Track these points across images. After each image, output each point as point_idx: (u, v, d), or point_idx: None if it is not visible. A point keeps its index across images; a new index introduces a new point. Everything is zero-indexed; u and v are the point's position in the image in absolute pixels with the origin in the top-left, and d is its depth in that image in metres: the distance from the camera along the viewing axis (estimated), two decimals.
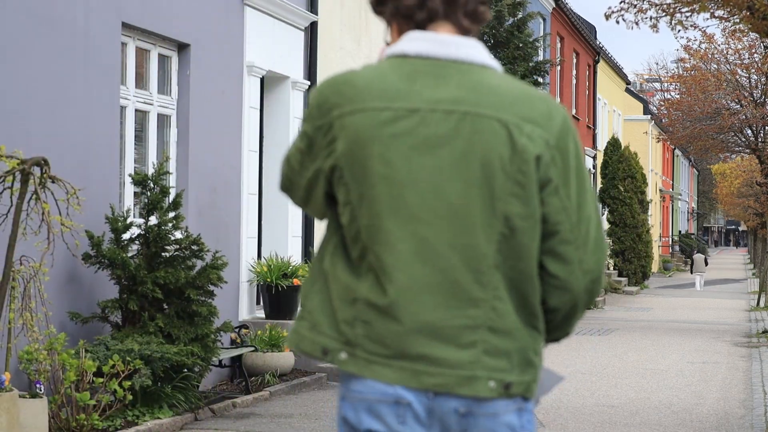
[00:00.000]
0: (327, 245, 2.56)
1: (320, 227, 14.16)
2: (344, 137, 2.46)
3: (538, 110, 2.48)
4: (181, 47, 11.11)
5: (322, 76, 14.31)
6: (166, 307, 9.47)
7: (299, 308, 2.59)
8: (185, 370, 9.24)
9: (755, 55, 27.88)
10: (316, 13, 14.01)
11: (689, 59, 30.50)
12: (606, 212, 35.81)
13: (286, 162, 2.65)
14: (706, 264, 41.42)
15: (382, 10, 2.59)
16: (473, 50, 2.51)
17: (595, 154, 37.46)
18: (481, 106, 2.45)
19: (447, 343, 2.43)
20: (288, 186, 2.68)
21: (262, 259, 12.88)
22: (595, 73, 38.40)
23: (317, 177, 2.55)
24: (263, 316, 12.65)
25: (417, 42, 2.50)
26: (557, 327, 2.60)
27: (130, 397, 8.49)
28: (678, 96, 35.42)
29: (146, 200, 9.63)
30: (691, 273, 40.23)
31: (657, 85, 72.29)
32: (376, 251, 2.44)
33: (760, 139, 29.98)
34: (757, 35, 19.98)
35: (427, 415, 2.45)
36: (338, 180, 2.49)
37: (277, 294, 12.41)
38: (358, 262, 2.48)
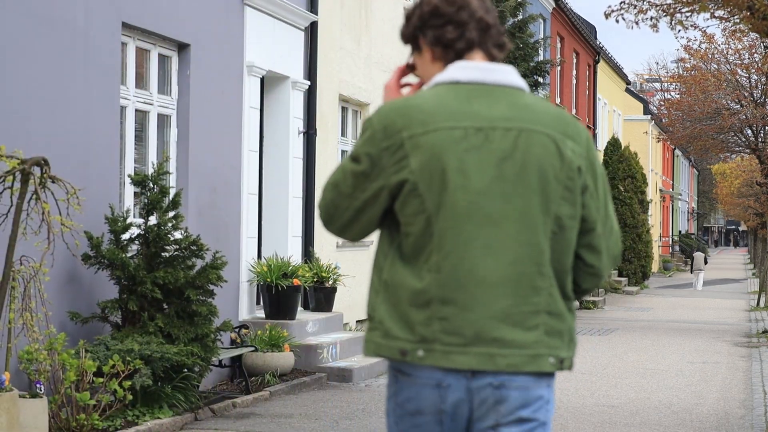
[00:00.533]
0: (384, 258, 2.92)
1: (320, 227, 14.17)
2: (419, 154, 2.84)
3: (571, 128, 2.97)
4: (181, 47, 11.11)
5: (322, 76, 14.31)
6: (165, 307, 9.46)
7: (369, 320, 2.94)
8: (185, 370, 9.23)
9: (755, 55, 27.85)
10: (316, 13, 14.01)
11: (689, 59, 30.47)
12: None
13: (333, 188, 2.93)
14: (706, 262, 41.47)
15: (420, 37, 2.99)
16: (513, 76, 2.97)
17: None
18: (531, 122, 2.90)
19: (515, 326, 2.84)
20: (332, 212, 2.95)
21: (262, 259, 12.88)
22: (595, 73, 38.40)
23: (378, 195, 2.88)
24: (263, 316, 12.65)
25: (467, 70, 2.93)
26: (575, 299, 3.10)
27: (130, 397, 8.49)
28: (678, 96, 35.40)
29: (146, 200, 9.63)
30: (691, 272, 40.23)
31: (657, 85, 72.26)
32: (449, 248, 2.84)
33: (760, 139, 29.96)
34: (757, 35, 19.97)
35: (465, 393, 2.84)
36: (409, 193, 2.85)
37: (277, 294, 12.40)
38: (417, 263, 2.86)
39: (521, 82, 2.97)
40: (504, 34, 3.02)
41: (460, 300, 2.82)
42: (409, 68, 3.08)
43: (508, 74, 2.95)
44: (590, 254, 3.00)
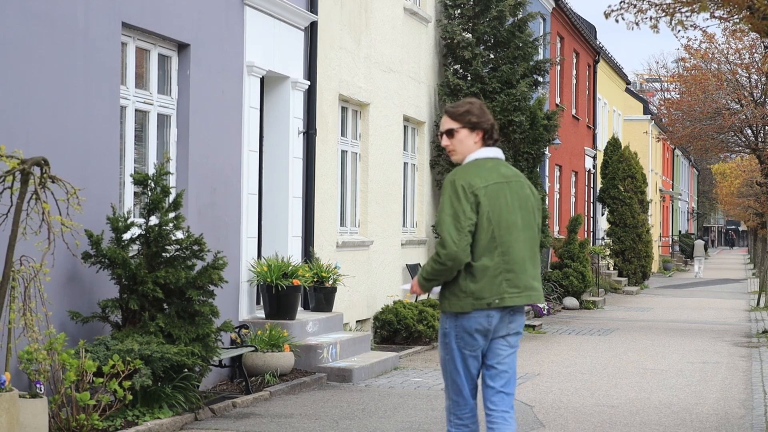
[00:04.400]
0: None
1: (320, 227, 14.17)
2: (487, 196, 5.82)
3: (526, 178, 6.04)
4: (181, 47, 11.10)
5: (322, 76, 14.31)
6: (166, 306, 9.46)
7: (461, 290, 5.83)
8: (185, 370, 9.23)
9: (755, 55, 27.81)
10: (316, 13, 14.00)
11: (690, 59, 30.43)
12: (606, 212, 35.79)
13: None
14: (706, 250, 41.64)
15: (471, 129, 6.07)
16: (502, 154, 6.03)
17: (595, 154, 37.43)
18: (519, 177, 6.00)
19: (535, 281, 5.96)
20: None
21: (262, 259, 12.87)
22: (595, 73, 38.36)
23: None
24: (263, 316, 12.65)
25: (489, 152, 6.01)
26: None
27: (130, 397, 8.49)
28: (678, 96, 35.36)
29: (147, 200, 9.62)
30: (691, 258, 40.29)
31: (657, 85, 72.24)
32: (507, 245, 5.81)
33: (760, 139, 29.91)
34: (757, 35, 19.96)
35: (499, 315, 5.86)
36: (484, 215, 5.83)
37: (277, 294, 12.40)
38: (491, 254, 5.76)
39: (503, 157, 6.05)
40: (496, 132, 6.04)
41: (516, 269, 5.83)
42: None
43: (501, 154, 6.03)
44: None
